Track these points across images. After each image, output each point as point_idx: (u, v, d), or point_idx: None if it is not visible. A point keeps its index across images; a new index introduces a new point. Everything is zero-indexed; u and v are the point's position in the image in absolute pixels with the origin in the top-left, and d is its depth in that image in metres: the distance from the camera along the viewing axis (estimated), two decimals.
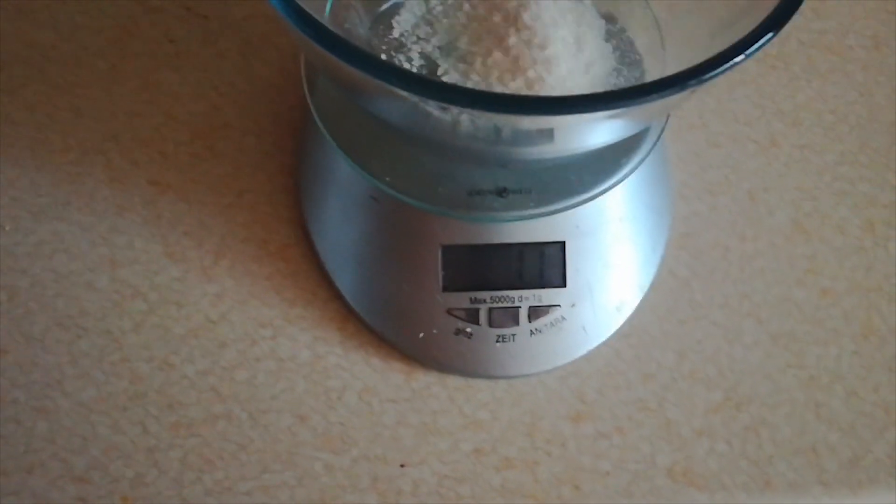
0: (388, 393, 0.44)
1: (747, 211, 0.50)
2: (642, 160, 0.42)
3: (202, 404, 0.43)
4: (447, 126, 0.36)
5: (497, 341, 0.43)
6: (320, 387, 0.44)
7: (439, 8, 0.40)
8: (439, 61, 0.39)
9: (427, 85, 0.30)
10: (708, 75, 0.30)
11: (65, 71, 0.51)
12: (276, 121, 0.50)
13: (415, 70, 0.39)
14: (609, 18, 0.42)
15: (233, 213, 0.47)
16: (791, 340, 0.46)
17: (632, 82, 0.41)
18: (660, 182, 0.47)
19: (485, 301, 0.43)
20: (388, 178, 0.41)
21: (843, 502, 0.43)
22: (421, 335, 0.43)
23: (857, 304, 0.48)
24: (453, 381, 0.44)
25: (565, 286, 0.43)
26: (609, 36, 0.41)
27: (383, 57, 0.39)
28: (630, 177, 0.42)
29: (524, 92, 0.37)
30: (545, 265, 0.43)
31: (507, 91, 0.37)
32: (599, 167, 0.42)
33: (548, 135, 0.37)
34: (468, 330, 0.43)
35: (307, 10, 0.30)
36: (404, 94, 0.30)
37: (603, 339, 0.45)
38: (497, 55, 0.37)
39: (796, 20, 0.32)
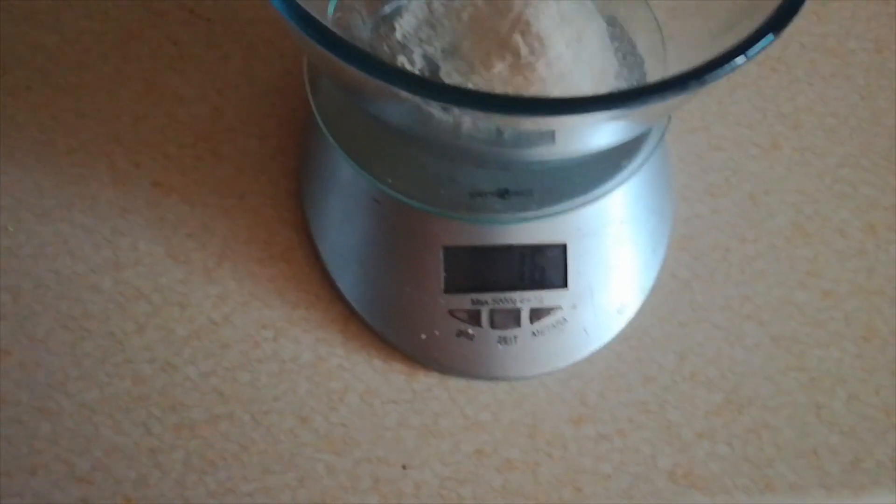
0: (389, 394, 0.44)
1: (748, 213, 0.50)
2: (644, 162, 0.42)
3: (205, 406, 0.43)
4: (449, 128, 0.36)
5: (498, 343, 0.43)
6: (322, 388, 0.44)
7: (441, 10, 0.40)
8: (441, 63, 0.39)
9: (429, 86, 0.30)
10: (709, 77, 0.30)
11: (69, 73, 0.51)
12: (279, 123, 0.50)
13: (417, 72, 0.39)
14: (611, 20, 0.42)
15: (236, 215, 0.47)
16: (792, 343, 0.46)
17: (633, 84, 0.41)
18: (661, 184, 0.47)
19: (486, 302, 0.43)
20: (390, 180, 0.42)
21: None
22: (423, 336, 0.43)
23: (859, 307, 0.48)
24: (455, 382, 0.44)
25: (567, 288, 0.44)
26: (611, 38, 0.41)
27: (385, 59, 0.40)
28: (631, 179, 0.42)
29: (526, 93, 0.37)
30: (546, 267, 0.43)
31: (508, 92, 0.37)
32: (601, 169, 0.42)
33: (549, 136, 0.37)
34: (470, 331, 0.43)
35: (310, 12, 0.30)
36: (406, 95, 0.30)
37: (604, 340, 0.45)
38: (499, 57, 0.37)
39: (797, 23, 0.32)
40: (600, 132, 0.36)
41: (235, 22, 0.53)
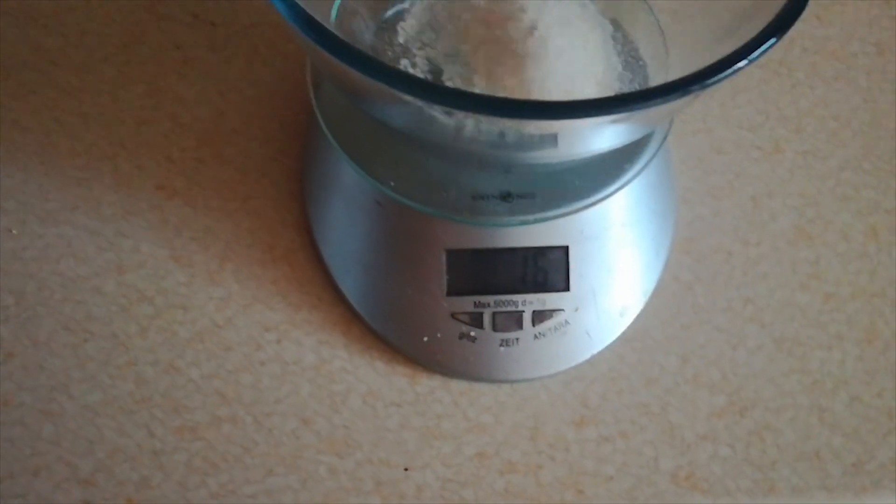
0: (392, 396, 0.44)
1: (750, 216, 0.50)
2: (646, 165, 0.42)
3: (207, 408, 0.43)
4: (452, 131, 0.36)
5: (501, 345, 0.43)
6: (325, 390, 0.44)
7: (444, 14, 0.40)
8: (444, 66, 0.39)
9: (431, 89, 0.30)
10: (711, 80, 0.30)
11: (72, 77, 0.51)
12: (282, 126, 0.50)
13: (419, 75, 0.39)
14: (614, 24, 0.42)
15: (239, 218, 0.48)
16: (794, 345, 0.46)
17: (636, 87, 0.41)
18: (663, 187, 0.47)
19: (489, 305, 0.43)
20: (392, 183, 0.42)
21: None
22: (425, 339, 0.43)
23: (861, 309, 0.48)
24: (457, 384, 0.44)
25: (569, 291, 0.44)
26: (613, 41, 0.41)
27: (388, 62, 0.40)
28: (634, 182, 0.42)
29: (528, 97, 0.37)
30: (549, 270, 0.43)
31: (511, 96, 0.37)
32: (603, 172, 0.42)
33: (552, 139, 0.37)
34: (472, 334, 0.43)
35: (313, 15, 0.30)
36: (409, 98, 0.30)
37: (606, 343, 0.45)
38: (502, 60, 0.37)
39: (799, 26, 0.32)
40: (603, 135, 0.36)
41: (238, 25, 0.53)
